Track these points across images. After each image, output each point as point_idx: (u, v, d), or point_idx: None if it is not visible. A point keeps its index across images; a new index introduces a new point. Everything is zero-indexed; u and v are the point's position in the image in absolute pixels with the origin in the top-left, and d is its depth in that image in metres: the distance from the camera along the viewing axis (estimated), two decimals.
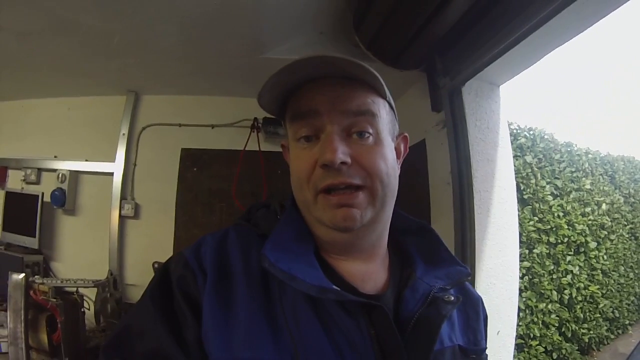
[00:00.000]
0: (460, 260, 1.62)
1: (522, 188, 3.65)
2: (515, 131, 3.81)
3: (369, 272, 0.78)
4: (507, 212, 1.85)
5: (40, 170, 3.02)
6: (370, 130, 0.71)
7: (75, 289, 2.27)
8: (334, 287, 0.67)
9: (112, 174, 2.88)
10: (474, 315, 0.86)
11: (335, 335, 0.66)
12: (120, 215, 2.81)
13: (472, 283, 1.72)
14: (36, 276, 2.44)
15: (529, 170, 3.74)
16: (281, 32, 2.09)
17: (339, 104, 0.70)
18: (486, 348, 0.85)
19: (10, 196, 2.98)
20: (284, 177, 2.51)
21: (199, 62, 2.45)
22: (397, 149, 0.81)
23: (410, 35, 1.73)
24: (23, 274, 2.19)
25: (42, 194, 2.85)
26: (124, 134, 2.92)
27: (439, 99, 1.97)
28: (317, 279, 0.67)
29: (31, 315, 2.13)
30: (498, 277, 1.78)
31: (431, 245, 0.86)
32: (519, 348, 3.44)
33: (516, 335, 1.91)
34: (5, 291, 2.36)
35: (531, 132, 3.97)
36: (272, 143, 2.76)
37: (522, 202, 3.62)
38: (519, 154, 3.73)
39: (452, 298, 0.76)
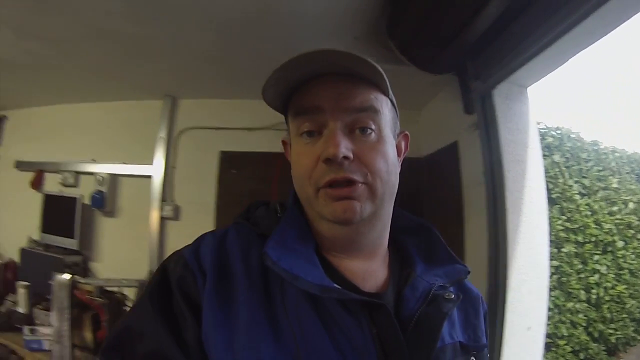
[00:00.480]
0: (494, 258, 1.79)
1: (550, 187, 3.67)
2: (542, 130, 3.84)
3: (370, 271, 0.79)
4: (537, 212, 1.94)
5: (78, 173, 3.17)
6: (373, 127, 0.73)
7: (117, 289, 2.38)
8: (336, 285, 0.70)
9: (151, 176, 3.01)
10: (473, 312, 0.87)
11: (336, 334, 0.68)
12: (160, 217, 2.92)
13: (504, 281, 1.82)
14: (76, 276, 2.54)
15: (557, 169, 3.79)
16: (316, 37, 2.16)
17: (342, 100, 0.72)
18: (487, 344, 0.87)
19: (48, 199, 3.12)
20: None
21: (235, 66, 2.53)
22: (398, 147, 0.83)
23: (444, 41, 1.82)
24: (70, 275, 2.30)
25: (82, 196, 2.98)
26: (162, 138, 3.04)
27: (470, 101, 2.08)
28: (318, 278, 0.69)
29: (74, 314, 2.22)
30: (529, 274, 1.86)
31: (430, 243, 0.88)
32: (547, 347, 3.46)
33: (545, 333, 1.97)
34: (43, 290, 2.50)
35: (558, 132, 4.00)
36: None
37: (550, 201, 3.59)
38: (546, 153, 3.76)
39: (453, 296, 0.78)
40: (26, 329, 2.37)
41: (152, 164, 3.02)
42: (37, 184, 3.28)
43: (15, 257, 3.10)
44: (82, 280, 2.36)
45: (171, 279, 0.71)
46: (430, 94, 2.55)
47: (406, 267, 0.83)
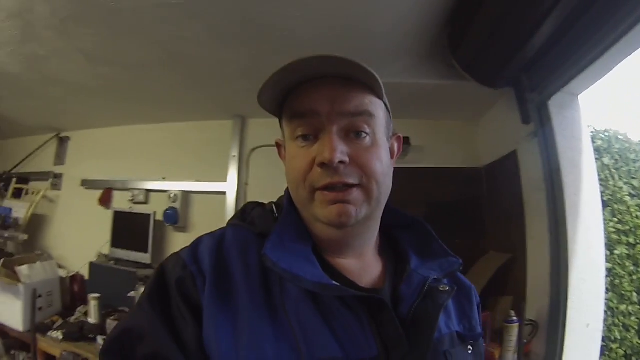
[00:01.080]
0: (555, 259, 2.01)
1: (601, 190, 3.56)
2: (592, 134, 3.84)
3: (365, 267, 0.83)
4: (593, 214, 2.06)
5: (148, 190, 3.37)
6: (368, 131, 0.75)
7: None
8: (335, 283, 0.72)
9: (224, 193, 3.18)
10: (467, 303, 0.92)
11: (337, 330, 0.70)
12: None
13: (566, 280, 1.94)
14: None
15: (607, 172, 3.82)
16: (383, 58, 2.31)
17: (338, 104, 0.73)
18: (482, 334, 0.91)
19: (118, 215, 3.30)
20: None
21: None
22: (391, 149, 0.85)
23: (505, 57, 1.96)
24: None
25: (154, 212, 3.22)
26: (234, 156, 3.23)
27: (527, 112, 2.21)
28: (318, 276, 0.71)
29: None
30: (587, 273, 1.98)
31: (423, 238, 0.92)
32: (600, 351, 3.48)
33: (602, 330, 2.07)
34: (114, 302, 2.70)
35: (607, 134, 4.04)
36: None
37: (602, 204, 3.57)
38: (596, 156, 3.56)
39: (447, 288, 0.81)
40: (100, 338, 2.52)
41: (225, 181, 3.20)
42: (105, 201, 3.50)
43: (84, 271, 3.26)
44: None
45: (170, 281, 0.73)
46: (488, 106, 2.68)
47: (401, 261, 0.87)
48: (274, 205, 0.89)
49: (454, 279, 0.93)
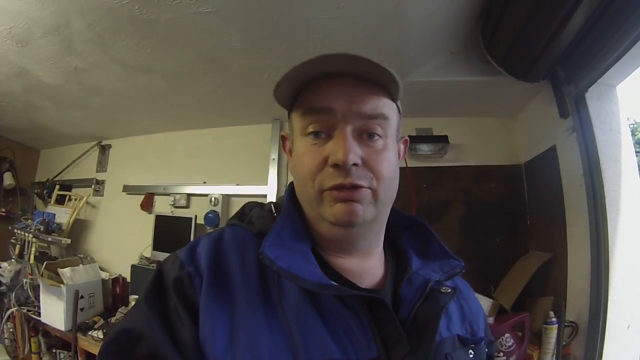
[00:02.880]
0: (596, 257, 1.91)
1: None
2: (632, 127, 3.72)
3: (367, 268, 0.82)
4: (635, 210, 1.95)
5: (189, 195, 3.41)
6: (380, 133, 0.75)
7: None
8: (333, 282, 0.71)
9: (265, 195, 3.18)
10: (469, 308, 0.90)
11: (336, 330, 0.70)
12: None
13: (606, 280, 1.86)
14: None
15: None
16: (418, 56, 2.28)
17: (356, 104, 0.72)
18: (484, 338, 0.89)
19: (160, 219, 3.35)
20: (430, 190, 2.75)
21: None
22: (398, 152, 0.84)
23: (539, 50, 1.90)
24: None
25: (195, 216, 3.23)
26: (273, 159, 3.23)
27: (564, 106, 2.14)
28: (316, 276, 0.71)
29: None
30: (628, 272, 1.89)
31: (424, 239, 0.91)
32: None
33: None
34: None
35: None
36: (416, 159, 2.89)
37: None
38: (637, 149, 3.57)
39: (449, 290, 0.81)
40: None
41: (266, 184, 3.21)
42: (147, 205, 3.54)
43: (126, 273, 3.33)
44: None
45: (168, 281, 0.73)
46: (524, 101, 2.61)
47: (402, 263, 0.87)
48: (272, 205, 0.88)
49: (454, 282, 0.91)
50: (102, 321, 2.89)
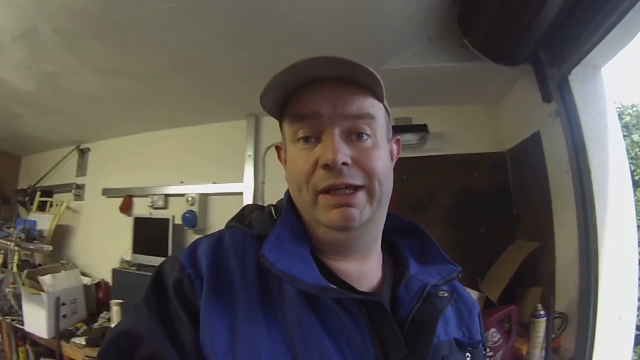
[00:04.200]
0: (584, 246, 1.79)
1: (632, 169, 3.47)
2: (619, 110, 3.66)
3: (365, 272, 0.82)
4: (624, 196, 1.89)
5: (167, 195, 3.36)
6: (369, 132, 0.75)
7: None
8: (332, 286, 0.71)
9: (241, 193, 3.11)
10: (466, 311, 0.90)
11: (335, 333, 0.70)
12: None
13: (595, 269, 1.78)
14: None
15: (637, 149, 3.63)
16: (394, 43, 2.20)
17: (340, 106, 0.73)
18: (481, 341, 0.89)
19: (139, 221, 3.31)
20: (412, 181, 2.68)
21: None
22: (391, 152, 0.85)
23: (518, 32, 1.83)
24: None
25: (173, 217, 3.17)
26: (249, 155, 3.15)
27: (548, 89, 2.05)
28: (315, 279, 0.70)
29: None
30: (618, 261, 1.81)
31: (422, 244, 0.91)
32: (635, 340, 3.30)
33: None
34: None
35: (635, 109, 3.82)
36: None
37: (633, 184, 3.39)
38: (625, 133, 3.57)
39: (446, 294, 0.82)
40: None
41: (242, 182, 3.11)
42: (126, 208, 3.50)
43: (108, 277, 3.29)
44: None
45: (167, 283, 0.72)
46: (507, 87, 2.54)
47: (399, 267, 0.87)
48: (272, 208, 0.88)
49: (451, 286, 0.91)
50: (85, 327, 2.86)
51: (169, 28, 1.97)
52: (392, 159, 0.85)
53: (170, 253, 3.08)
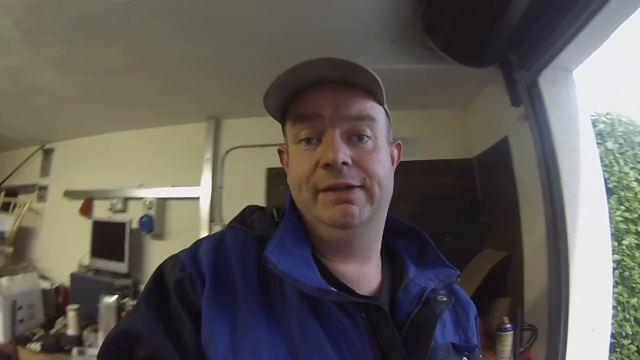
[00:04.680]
0: (554, 256, 1.78)
1: (606, 177, 3.39)
2: (592, 118, 3.62)
3: (364, 275, 0.81)
4: (596, 203, 1.82)
5: (126, 199, 3.28)
6: (369, 134, 0.75)
7: None
8: (332, 288, 0.70)
9: (198, 198, 3.03)
10: (463, 314, 0.89)
11: (335, 336, 0.69)
12: None
13: (566, 279, 1.70)
14: (127, 298, 2.63)
15: (611, 157, 3.56)
16: (354, 44, 2.14)
17: (341, 108, 0.73)
18: (478, 345, 0.88)
19: (97, 225, 3.22)
20: None
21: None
22: (391, 156, 0.84)
23: (484, 32, 1.77)
24: (115, 297, 2.36)
25: (130, 221, 3.08)
26: (208, 159, 3.07)
27: (516, 93, 1.99)
28: (316, 281, 0.70)
29: None
30: (592, 272, 1.75)
31: (420, 247, 0.90)
32: (610, 348, 3.28)
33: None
34: (94, 313, 2.59)
35: (609, 117, 3.78)
36: None
37: (607, 191, 3.37)
38: (599, 140, 3.48)
39: (445, 298, 0.81)
40: (75, 350, 2.40)
41: (199, 186, 3.04)
42: (86, 211, 3.42)
43: (67, 282, 3.18)
44: (128, 302, 2.42)
45: (168, 283, 0.71)
46: (476, 91, 2.49)
47: (398, 270, 0.85)
48: (273, 209, 0.87)
49: (450, 289, 0.89)
50: (42, 332, 2.74)
51: (124, 23, 1.92)
52: (392, 163, 0.85)
53: (126, 258, 3.03)
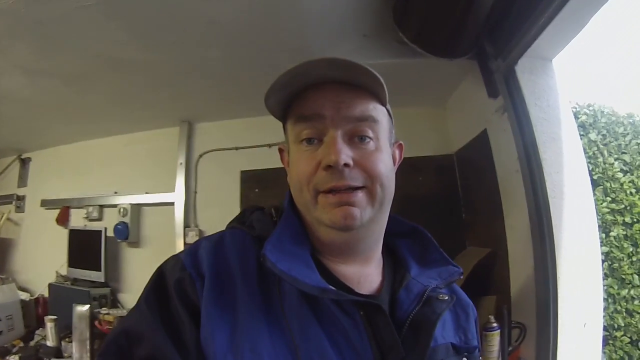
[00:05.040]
0: (540, 251, 1.73)
1: (590, 168, 3.43)
2: (575, 109, 3.62)
3: (365, 275, 0.81)
4: (581, 194, 1.76)
5: (102, 206, 3.23)
6: (371, 135, 0.75)
7: None
8: (331, 287, 0.70)
9: (173, 203, 2.98)
10: (463, 315, 0.89)
11: (334, 334, 0.69)
12: (185, 243, 2.88)
13: (554, 274, 1.64)
14: (103, 308, 2.60)
15: (595, 148, 3.57)
16: (325, 40, 2.08)
17: (343, 109, 0.73)
18: (477, 346, 0.88)
19: (73, 233, 3.18)
20: None
21: (247, 83, 2.44)
22: (393, 156, 0.84)
23: (455, 21, 1.73)
24: (88, 306, 2.33)
25: (105, 228, 3.02)
26: (181, 164, 3.03)
27: (493, 84, 1.94)
28: (315, 280, 0.70)
29: (98, 346, 2.23)
30: (580, 265, 1.69)
31: (423, 246, 0.90)
32: (603, 341, 3.27)
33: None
34: (72, 324, 2.52)
35: (591, 109, 3.78)
36: None
37: (592, 183, 3.37)
38: (582, 132, 3.52)
39: (447, 297, 0.81)
40: None
41: (173, 191, 2.99)
42: (62, 220, 3.34)
43: (46, 292, 3.12)
44: (102, 311, 2.37)
45: (169, 282, 0.71)
46: (452, 86, 2.45)
47: (400, 269, 0.86)
48: (272, 209, 0.87)
49: (451, 289, 0.89)
50: (22, 344, 2.72)
51: (88, 27, 1.88)
52: (394, 164, 0.85)
53: (103, 267, 2.98)
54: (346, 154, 0.71)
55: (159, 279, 0.73)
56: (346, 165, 0.71)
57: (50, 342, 2.55)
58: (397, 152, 0.88)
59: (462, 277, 0.87)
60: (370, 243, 0.82)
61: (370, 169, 0.73)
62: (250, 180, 2.95)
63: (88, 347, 2.22)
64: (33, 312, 3.05)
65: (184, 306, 0.68)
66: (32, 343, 2.72)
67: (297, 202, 0.81)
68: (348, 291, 0.75)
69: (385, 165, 0.76)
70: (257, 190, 2.92)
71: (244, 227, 0.84)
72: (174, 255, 0.78)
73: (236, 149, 2.99)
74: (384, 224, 0.84)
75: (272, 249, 0.72)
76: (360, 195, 0.73)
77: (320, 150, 0.73)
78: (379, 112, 0.77)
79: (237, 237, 0.80)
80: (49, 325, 2.56)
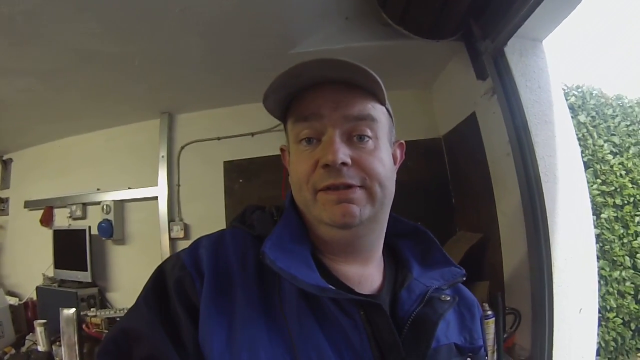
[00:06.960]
0: (533, 236, 1.69)
1: (580, 150, 3.40)
2: (564, 91, 3.61)
3: (365, 275, 0.80)
4: (574, 176, 1.73)
5: (85, 204, 3.15)
6: (370, 134, 0.74)
7: None
8: (330, 286, 0.69)
9: (156, 198, 2.91)
10: (468, 315, 0.87)
11: (333, 334, 0.68)
12: (170, 238, 2.81)
13: (549, 260, 1.62)
14: (92, 309, 2.51)
15: (584, 130, 3.56)
16: (306, 24, 2.03)
17: (342, 108, 0.72)
18: (482, 345, 0.87)
19: (57, 234, 3.08)
20: None
21: (227, 71, 2.39)
22: (393, 155, 0.83)
23: (441, 1, 1.67)
24: (74, 309, 2.24)
25: (89, 227, 2.93)
26: (163, 157, 2.95)
27: (482, 65, 1.88)
28: (314, 279, 0.69)
29: (87, 349, 2.17)
30: (574, 249, 1.66)
31: (425, 246, 0.89)
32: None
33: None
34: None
35: (580, 90, 3.78)
36: None
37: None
38: (571, 114, 3.49)
39: (449, 298, 0.79)
40: None
41: (156, 185, 2.92)
42: (46, 220, 3.26)
43: (34, 296, 3.04)
44: (89, 313, 2.29)
45: (168, 282, 0.70)
46: (439, 68, 2.39)
47: (402, 270, 0.85)
48: (273, 209, 0.87)
49: (455, 289, 0.88)
50: (13, 351, 2.63)
51: (59, 20, 1.82)
52: (395, 163, 0.84)
53: (89, 267, 2.90)
54: (344, 153, 0.70)
55: (159, 278, 0.73)
56: (344, 164, 0.70)
57: (41, 347, 2.49)
58: (398, 151, 0.87)
59: (464, 279, 0.85)
60: (370, 242, 0.81)
61: (369, 168, 0.72)
62: (234, 170, 2.89)
63: (77, 351, 2.15)
64: (23, 316, 2.97)
65: (183, 306, 0.68)
66: (23, 349, 2.65)
67: (297, 201, 0.80)
68: (348, 291, 0.75)
69: (384, 164, 0.75)
70: (241, 180, 2.87)
71: (245, 226, 0.83)
72: (174, 254, 0.77)
73: (218, 139, 2.93)
74: (384, 223, 0.83)
75: (272, 247, 0.71)
76: (359, 193, 0.72)
77: (319, 150, 0.73)
78: (377, 111, 0.76)
79: (238, 236, 0.80)
80: (39, 330, 2.49)
